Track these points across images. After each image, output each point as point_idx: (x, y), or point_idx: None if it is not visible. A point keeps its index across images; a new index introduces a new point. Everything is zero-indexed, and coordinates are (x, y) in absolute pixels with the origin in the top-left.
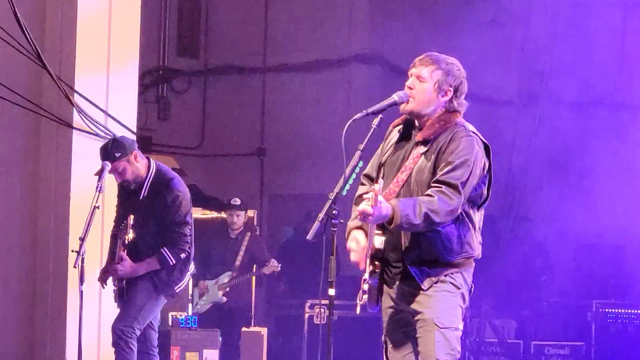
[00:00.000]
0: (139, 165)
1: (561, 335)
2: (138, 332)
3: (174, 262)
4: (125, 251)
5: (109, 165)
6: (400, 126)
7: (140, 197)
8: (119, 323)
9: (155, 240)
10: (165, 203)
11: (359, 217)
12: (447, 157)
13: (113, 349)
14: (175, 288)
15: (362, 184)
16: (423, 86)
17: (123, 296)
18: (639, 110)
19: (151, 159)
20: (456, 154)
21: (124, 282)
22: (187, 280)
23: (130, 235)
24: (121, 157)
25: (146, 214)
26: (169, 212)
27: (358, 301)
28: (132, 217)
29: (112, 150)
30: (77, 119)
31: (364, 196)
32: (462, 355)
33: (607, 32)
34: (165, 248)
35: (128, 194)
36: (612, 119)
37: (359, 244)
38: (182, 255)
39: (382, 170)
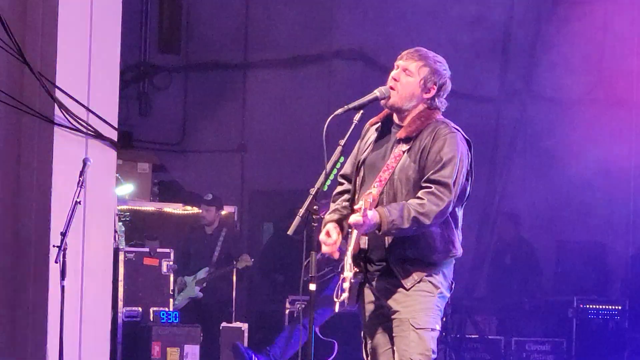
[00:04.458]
0: None
1: (542, 331)
2: None
3: None
4: None
5: (90, 161)
6: (378, 124)
7: None
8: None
9: None
10: None
11: (352, 227)
12: (433, 156)
13: None
14: None
15: (340, 183)
16: (408, 80)
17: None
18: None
19: None
20: (443, 151)
21: None
22: None
23: None
24: None
25: None
26: None
27: (336, 299)
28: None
29: None
30: (58, 115)
31: (355, 207)
32: (443, 351)
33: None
34: None
35: None
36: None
37: (330, 237)
38: None
39: (362, 169)
